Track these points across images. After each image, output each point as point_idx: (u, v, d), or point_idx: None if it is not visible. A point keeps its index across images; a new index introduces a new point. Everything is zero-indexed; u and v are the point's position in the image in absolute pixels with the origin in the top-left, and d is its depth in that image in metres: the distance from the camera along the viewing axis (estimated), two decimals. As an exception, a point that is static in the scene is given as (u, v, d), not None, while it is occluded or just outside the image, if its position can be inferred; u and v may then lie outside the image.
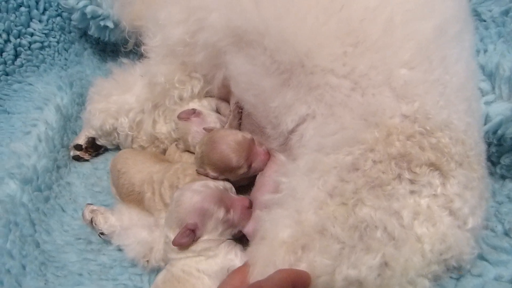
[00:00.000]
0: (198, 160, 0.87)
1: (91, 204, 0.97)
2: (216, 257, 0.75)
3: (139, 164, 0.93)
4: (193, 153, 0.95)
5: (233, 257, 0.75)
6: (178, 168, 0.88)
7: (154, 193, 0.87)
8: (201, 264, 0.74)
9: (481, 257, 0.69)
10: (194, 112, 0.95)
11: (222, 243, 0.76)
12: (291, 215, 0.65)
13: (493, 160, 0.80)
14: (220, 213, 0.75)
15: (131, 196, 0.91)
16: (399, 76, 0.65)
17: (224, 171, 0.83)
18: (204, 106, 1.00)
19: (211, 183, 0.79)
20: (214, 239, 0.75)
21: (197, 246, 0.75)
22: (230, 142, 0.83)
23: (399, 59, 0.65)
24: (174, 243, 0.74)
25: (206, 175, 0.84)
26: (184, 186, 0.79)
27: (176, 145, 1.01)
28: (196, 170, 0.86)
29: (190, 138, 0.93)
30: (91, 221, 0.92)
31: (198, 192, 0.76)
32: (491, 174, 0.80)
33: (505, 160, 0.79)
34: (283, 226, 0.65)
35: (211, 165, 0.84)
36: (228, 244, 0.77)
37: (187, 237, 0.73)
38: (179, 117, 0.95)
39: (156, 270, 0.87)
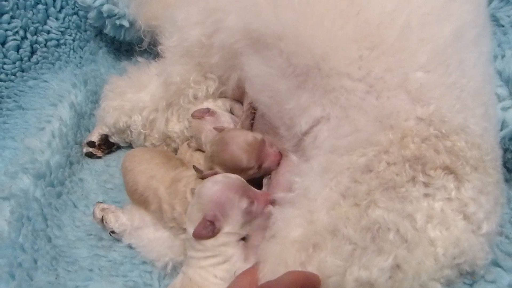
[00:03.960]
0: (208, 159, 0.87)
1: (102, 202, 0.98)
2: (231, 259, 0.73)
3: (144, 163, 0.93)
4: (204, 152, 0.95)
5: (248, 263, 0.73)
6: (184, 190, 0.85)
7: (160, 210, 0.85)
8: (218, 270, 0.73)
9: (496, 264, 0.68)
10: (208, 111, 0.95)
11: (239, 242, 0.74)
12: (303, 215, 0.65)
13: (508, 167, 0.79)
14: (243, 203, 0.73)
15: (134, 195, 0.91)
16: (414, 79, 0.65)
17: (234, 171, 0.83)
18: (219, 106, 1.01)
19: (233, 175, 0.77)
20: (234, 232, 0.73)
21: (217, 241, 0.72)
22: (240, 143, 0.83)
23: (415, 62, 0.65)
24: (194, 235, 0.72)
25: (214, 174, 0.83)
26: (206, 179, 0.78)
27: (188, 144, 1.02)
28: (203, 175, 0.85)
29: (203, 136, 0.93)
30: (102, 220, 0.93)
31: (218, 182, 0.74)
32: (507, 181, 0.79)
33: (520, 167, 0.78)
34: (295, 226, 0.65)
35: (221, 165, 0.84)
36: (243, 244, 0.75)
37: (207, 229, 0.71)
38: (193, 116, 0.96)
39: (166, 274, 0.87)
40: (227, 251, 0.73)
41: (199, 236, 0.72)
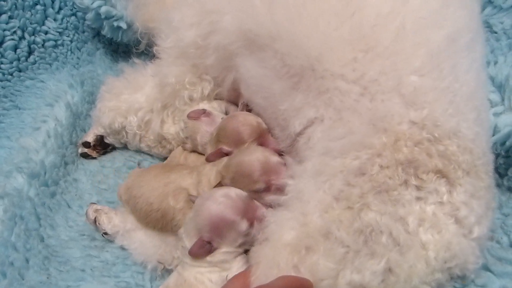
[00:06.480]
0: (214, 139, 0.88)
1: (95, 203, 0.97)
2: (230, 270, 0.72)
3: (152, 181, 0.88)
4: (200, 153, 0.96)
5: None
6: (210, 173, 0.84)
7: (188, 206, 0.80)
8: (214, 275, 0.71)
9: (486, 268, 0.69)
10: (204, 112, 0.95)
11: (238, 255, 0.73)
12: (296, 218, 0.65)
13: (500, 172, 0.80)
14: (243, 226, 0.70)
15: (150, 216, 0.85)
16: (408, 83, 0.65)
17: (236, 144, 0.84)
18: (214, 108, 1.01)
19: (233, 193, 0.74)
20: (232, 251, 0.72)
21: (214, 258, 0.71)
22: (247, 117, 0.86)
23: (409, 66, 0.65)
24: (190, 253, 0.71)
25: (219, 152, 0.84)
26: (205, 195, 0.75)
27: (182, 146, 1.01)
28: (207, 156, 0.86)
29: (198, 137, 0.93)
30: (95, 221, 0.92)
31: (218, 203, 0.71)
32: (498, 186, 0.79)
33: (512, 172, 0.79)
34: (288, 228, 0.65)
35: (225, 138, 0.85)
36: (243, 257, 0.73)
37: (203, 248, 0.70)
38: (189, 116, 0.96)
39: (158, 275, 0.87)
40: (224, 266, 0.72)
41: (195, 255, 0.71)
